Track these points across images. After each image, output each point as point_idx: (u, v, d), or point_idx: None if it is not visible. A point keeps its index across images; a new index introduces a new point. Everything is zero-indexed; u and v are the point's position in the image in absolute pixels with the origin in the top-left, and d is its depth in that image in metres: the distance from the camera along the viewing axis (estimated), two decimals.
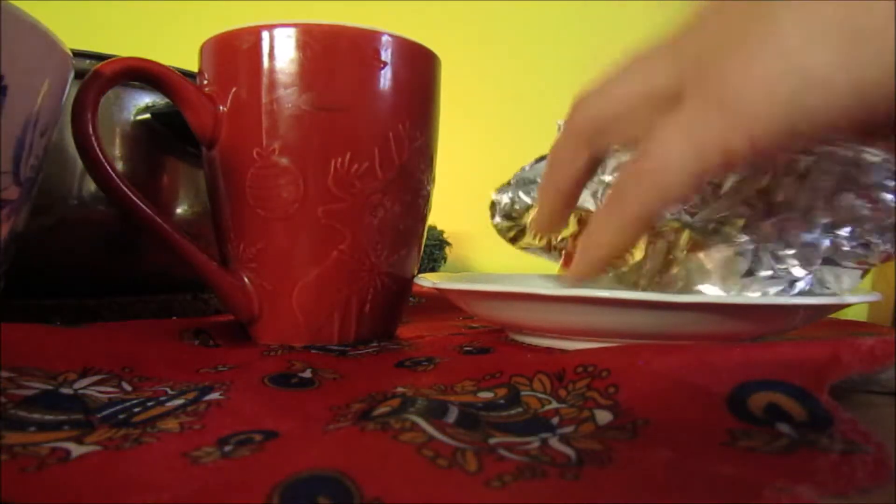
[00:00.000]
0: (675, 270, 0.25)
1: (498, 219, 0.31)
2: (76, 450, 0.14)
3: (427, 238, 0.56)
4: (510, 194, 0.31)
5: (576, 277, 0.22)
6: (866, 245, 0.23)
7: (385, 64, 0.27)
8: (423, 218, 0.31)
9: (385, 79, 0.27)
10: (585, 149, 0.21)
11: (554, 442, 0.15)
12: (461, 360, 0.24)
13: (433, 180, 0.31)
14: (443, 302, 0.40)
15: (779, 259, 0.23)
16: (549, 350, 0.25)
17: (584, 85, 0.22)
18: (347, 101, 0.27)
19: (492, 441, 0.15)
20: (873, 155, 0.22)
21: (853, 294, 0.24)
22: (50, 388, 0.19)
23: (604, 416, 0.16)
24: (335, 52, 0.26)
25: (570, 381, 0.19)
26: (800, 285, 0.24)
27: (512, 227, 0.31)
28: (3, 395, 0.17)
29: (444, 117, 0.31)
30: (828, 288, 0.24)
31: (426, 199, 0.31)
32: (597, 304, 0.22)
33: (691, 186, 0.18)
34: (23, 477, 0.13)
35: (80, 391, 0.19)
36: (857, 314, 0.67)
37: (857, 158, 0.22)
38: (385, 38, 0.27)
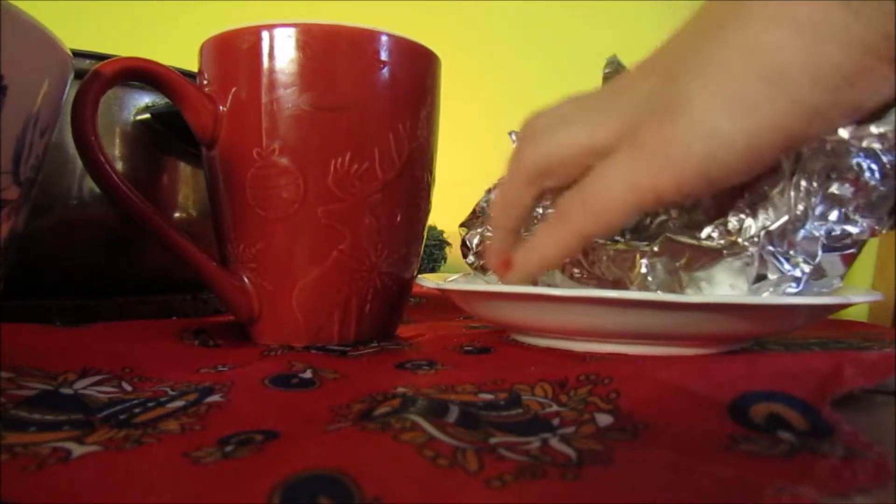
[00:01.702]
0: (683, 285, 0.25)
1: (472, 258, 0.33)
2: (77, 450, 0.14)
3: (427, 238, 0.56)
4: (479, 232, 0.33)
5: (511, 281, 0.25)
6: (854, 223, 0.24)
7: (385, 64, 0.27)
8: (423, 218, 0.31)
9: (385, 79, 0.27)
10: (531, 187, 0.24)
11: (554, 442, 0.15)
12: (462, 362, 0.24)
13: (433, 180, 0.31)
14: (443, 302, 0.40)
15: (786, 259, 0.24)
16: (551, 351, 0.25)
17: (527, 124, 0.25)
18: (347, 101, 0.27)
19: (492, 441, 0.15)
20: (846, 135, 0.23)
21: (855, 294, 0.24)
22: (50, 388, 0.19)
23: (604, 419, 0.16)
24: (335, 52, 0.26)
25: (571, 388, 0.19)
26: (804, 279, 0.24)
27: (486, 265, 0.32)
28: (3, 396, 0.17)
29: (444, 117, 0.31)
30: (825, 276, 0.24)
31: (426, 199, 0.31)
32: (598, 304, 0.22)
33: (626, 216, 0.22)
34: (23, 477, 0.13)
35: (80, 391, 0.19)
36: (857, 314, 0.67)
37: (836, 148, 0.23)
38: (385, 38, 0.27)
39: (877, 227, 0.24)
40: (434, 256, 0.66)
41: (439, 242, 0.67)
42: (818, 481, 0.12)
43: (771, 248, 0.24)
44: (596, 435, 0.15)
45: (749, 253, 0.24)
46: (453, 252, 0.70)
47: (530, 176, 0.24)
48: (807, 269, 0.23)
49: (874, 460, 0.13)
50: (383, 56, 0.27)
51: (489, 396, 0.19)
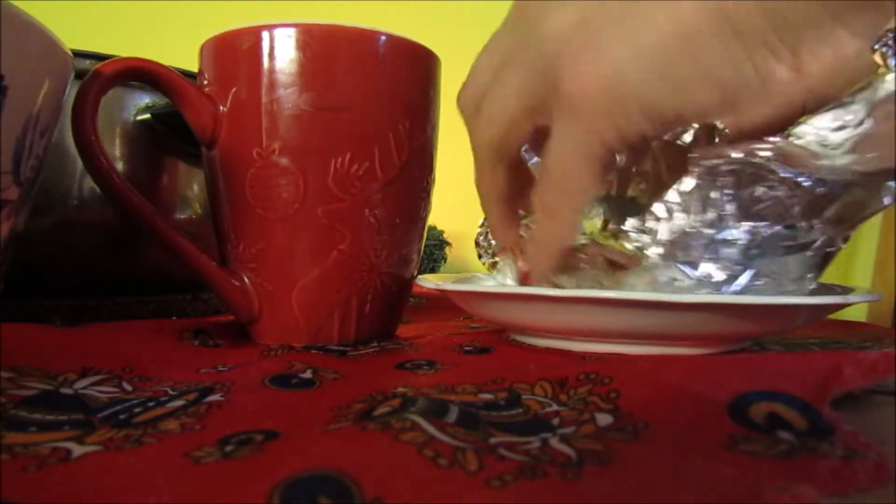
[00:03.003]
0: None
1: (485, 258, 0.34)
2: (77, 450, 0.14)
3: (427, 238, 0.56)
4: (486, 230, 0.33)
5: (540, 283, 0.25)
6: (791, 227, 0.24)
7: (385, 64, 0.27)
8: (423, 218, 0.31)
9: (385, 79, 0.27)
10: (498, 164, 0.24)
11: (554, 442, 0.15)
12: (461, 362, 0.24)
13: (433, 180, 0.31)
14: (443, 302, 0.40)
15: (692, 265, 0.24)
16: (551, 351, 0.25)
17: (465, 94, 0.24)
18: (347, 101, 0.27)
19: (492, 441, 0.15)
20: (761, 157, 0.23)
21: (855, 294, 0.24)
22: (50, 388, 0.19)
23: (604, 419, 0.16)
24: (335, 52, 0.26)
25: (571, 387, 0.19)
26: (742, 280, 0.24)
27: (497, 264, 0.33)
28: (3, 395, 0.17)
29: (444, 117, 0.31)
30: (776, 277, 0.24)
31: (426, 199, 0.31)
32: (597, 304, 0.22)
33: (595, 178, 0.21)
34: (23, 477, 0.13)
35: (80, 391, 0.19)
36: (857, 314, 0.67)
37: (744, 161, 0.23)
38: (385, 38, 0.27)
39: (820, 225, 0.24)
40: (434, 256, 0.66)
41: (439, 242, 0.67)
42: (818, 481, 0.12)
43: (676, 254, 0.24)
44: (596, 435, 0.15)
45: (653, 261, 0.24)
46: (453, 252, 0.70)
47: (492, 156, 0.24)
48: (721, 275, 0.24)
49: (874, 460, 0.13)
50: (383, 56, 0.27)
51: (489, 396, 0.19)
